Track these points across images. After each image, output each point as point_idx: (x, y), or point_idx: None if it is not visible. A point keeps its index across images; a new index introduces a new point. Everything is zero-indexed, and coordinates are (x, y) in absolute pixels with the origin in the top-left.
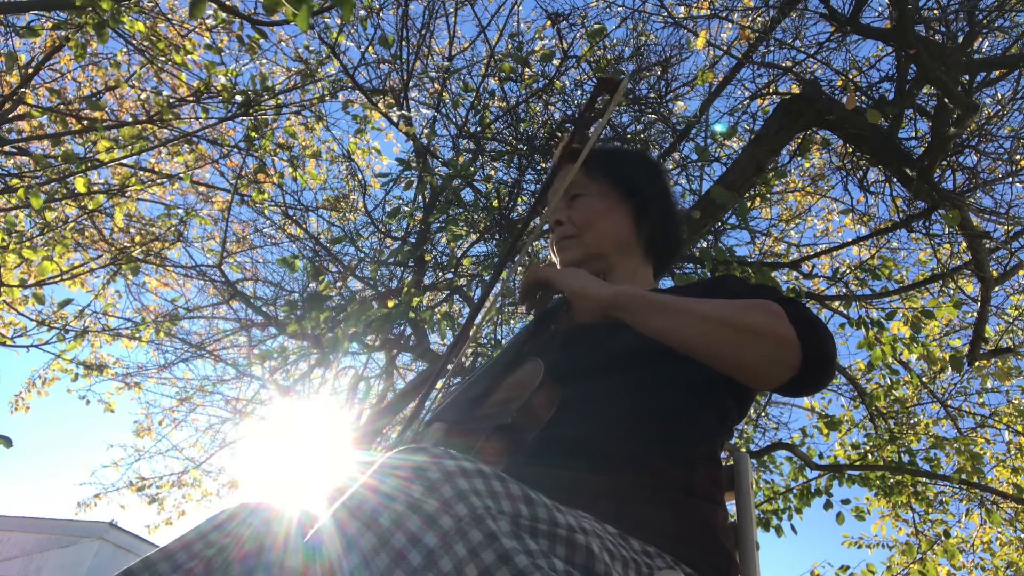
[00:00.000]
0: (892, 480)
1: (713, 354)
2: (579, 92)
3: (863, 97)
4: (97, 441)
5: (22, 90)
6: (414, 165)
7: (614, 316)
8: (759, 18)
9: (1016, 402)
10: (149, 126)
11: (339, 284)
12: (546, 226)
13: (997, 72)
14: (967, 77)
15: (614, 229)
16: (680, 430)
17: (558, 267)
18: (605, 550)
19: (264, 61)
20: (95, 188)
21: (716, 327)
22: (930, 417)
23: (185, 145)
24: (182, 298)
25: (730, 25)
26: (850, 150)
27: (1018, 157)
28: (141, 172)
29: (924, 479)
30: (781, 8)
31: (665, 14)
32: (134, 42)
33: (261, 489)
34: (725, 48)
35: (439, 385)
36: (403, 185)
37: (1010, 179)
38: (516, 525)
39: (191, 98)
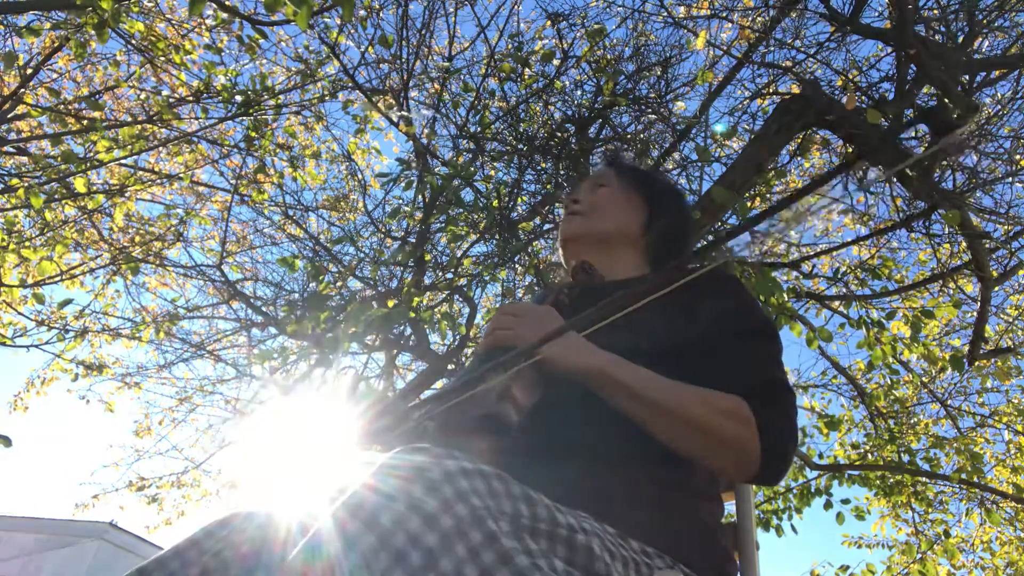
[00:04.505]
0: (892, 480)
1: (676, 447)
2: (579, 92)
3: (863, 97)
4: (97, 441)
5: (21, 90)
6: (414, 165)
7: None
8: (759, 18)
9: (1016, 402)
10: (149, 126)
11: (339, 284)
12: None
13: (997, 72)
14: (967, 77)
15: (623, 219)
16: None
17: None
18: (605, 550)
19: (264, 61)
20: (95, 188)
21: (683, 428)
22: (930, 417)
23: (185, 145)
24: (182, 298)
25: (730, 25)
26: (850, 150)
27: (1018, 157)
28: (141, 172)
29: (924, 479)
30: (781, 8)
31: (665, 14)
32: (133, 42)
33: (261, 489)
34: (725, 48)
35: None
36: (403, 185)
37: (1010, 179)
38: (516, 525)
39: (191, 98)
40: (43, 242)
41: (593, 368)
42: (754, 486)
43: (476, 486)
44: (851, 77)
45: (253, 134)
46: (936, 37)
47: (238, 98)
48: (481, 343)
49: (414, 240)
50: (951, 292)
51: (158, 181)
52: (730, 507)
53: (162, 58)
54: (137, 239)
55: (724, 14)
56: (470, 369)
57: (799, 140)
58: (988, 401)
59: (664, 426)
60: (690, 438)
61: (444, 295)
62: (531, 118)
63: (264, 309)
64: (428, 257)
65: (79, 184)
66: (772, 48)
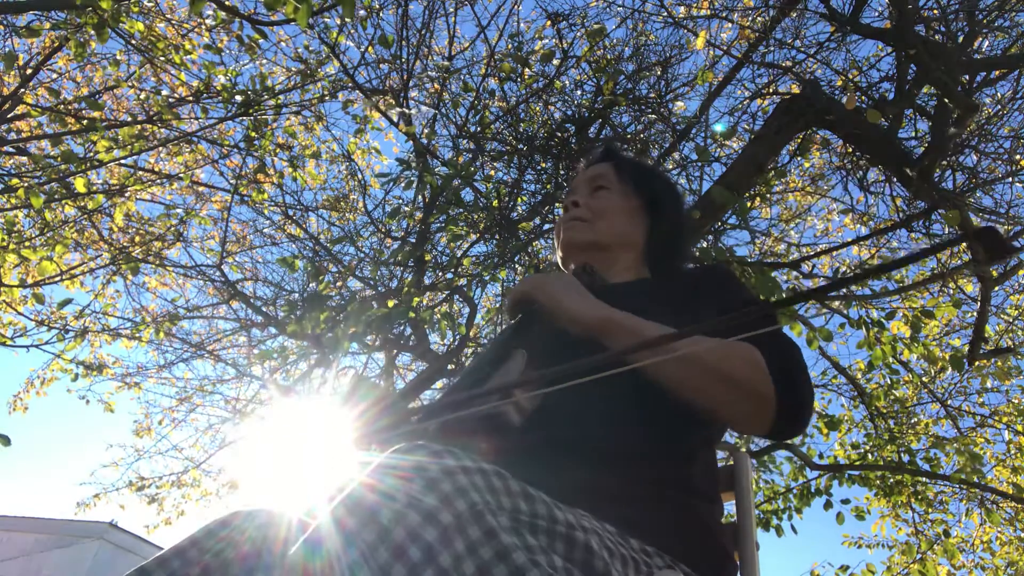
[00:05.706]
0: (892, 480)
1: (690, 397)
2: (579, 92)
3: (863, 97)
4: (97, 441)
5: (21, 90)
6: (414, 165)
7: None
8: (759, 18)
9: (1016, 402)
10: (149, 126)
11: (339, 284)
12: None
13: (997, 72)
14: (967, 77)
15: (626, 228)
16: (676, 424)
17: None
18: (604, 547)
19: (264, 61)
20: (95, 188)
21: (698, 374)
22: (930, 417)
23: (185, 145)
24: (182, 298)
25: (730, 25)
26: (850, 150)
27: (1018, 157)
28: (141, 172)
29: (924, 479)
30: (781, 8)
31: (665, 14)
32: (133, 42)
33: (261, 490)
34: (725, 48)
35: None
36: (403, 185)
37: (1010, 179)
38: (515, 521)
39: (191, 98)
40: (43, 242)
41: (603, 318)
42: (755, 486)
43: (475, 482)
44: (851, 77)
45: (253, 134)
46: (936, 37)
47: (238, 98)
48: (508, 299)
49: (414, 240)
50: (951, 292)
51: (158, 181)
52: (730, 507)
53: (162, 58)
54: (137, 239)
55: (724, 14)
56: (471, 367)
57: (799, 140)
58: (988, 401)
59: (677, 371)
60: (705, 382)
61: (444, 295)
62: (531, 118)
63: (264, 309)
64: (428, 257)
65: (79, 184)
66: (772, 48)
